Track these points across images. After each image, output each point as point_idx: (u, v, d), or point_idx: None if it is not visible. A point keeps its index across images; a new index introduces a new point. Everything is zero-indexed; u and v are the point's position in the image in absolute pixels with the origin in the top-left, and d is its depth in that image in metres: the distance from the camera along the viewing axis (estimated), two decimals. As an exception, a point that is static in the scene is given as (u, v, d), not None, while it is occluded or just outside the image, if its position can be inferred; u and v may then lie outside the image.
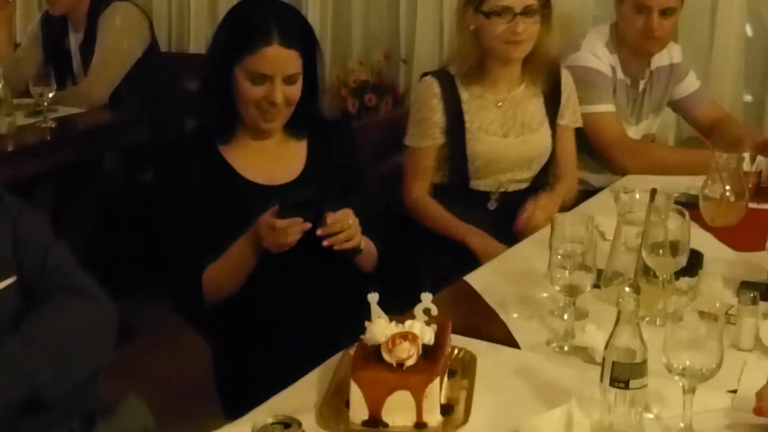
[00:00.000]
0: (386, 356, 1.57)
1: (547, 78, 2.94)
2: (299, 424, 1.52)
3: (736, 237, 2.49)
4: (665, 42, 3.26)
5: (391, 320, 1.63)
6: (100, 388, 1.87)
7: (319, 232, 2.15)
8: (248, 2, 2.58)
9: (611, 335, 1.53)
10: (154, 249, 2.35)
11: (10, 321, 1.71)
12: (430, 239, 2.86)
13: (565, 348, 1.90)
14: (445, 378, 1.65)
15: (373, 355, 1.59)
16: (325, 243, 2.16)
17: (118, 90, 3.95)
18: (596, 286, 2.02)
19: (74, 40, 4.09)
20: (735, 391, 1.69)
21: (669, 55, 3.37)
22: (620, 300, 1.52)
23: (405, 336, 1.57)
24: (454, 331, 1.78)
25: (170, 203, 2.29)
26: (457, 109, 2.86)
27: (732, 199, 2.59)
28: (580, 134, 3.16)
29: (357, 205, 2.32)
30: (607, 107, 3.20)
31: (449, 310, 1.83)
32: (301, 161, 2.38)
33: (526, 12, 2.74)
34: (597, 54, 3.23)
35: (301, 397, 1.70)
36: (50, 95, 3.62)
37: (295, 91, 2.27)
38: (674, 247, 1.95)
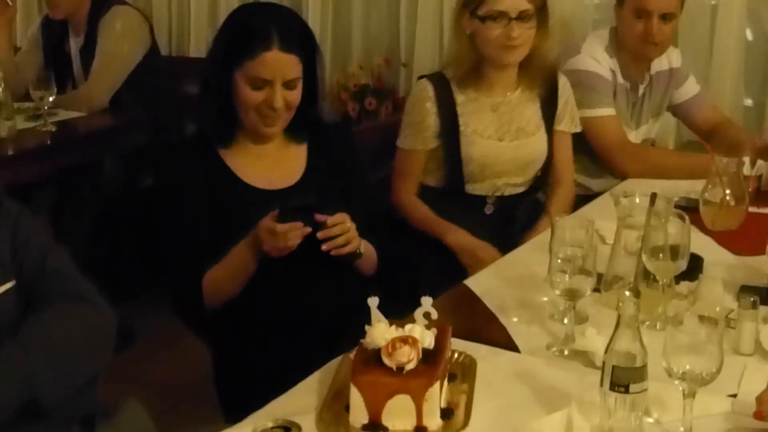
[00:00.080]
0: (386, 360, 1.57)
1: (544, 83, 2.93)
2: (299, 428, 1.52)
3: (736, 241, 2.49)
4: (665, 47, 3.26)
5: (391, 324, 1.63)
6: (100, 393, 1.87)
7: (319, 234, 2.15)
8: (248, 7, 2.59)
9: (611, 339, 1.53)
10: (154, 253, 2.35)
11: (9, 325, 1.71)
12: (430, 243, 2.86)
13: (565, 352, 1.90)
14: (445, 382, 1.65)
15: (373, 359, 1.59)
16: (324, 247, 2.16)
17: (119, 94, 3.95)
18: (596, 290, 2.02)
19: (74, 44, 4.09)
20: (735, 396, 1.69)
21: (668, 59, 3.38)
22: (620, 304, 1.52)
23: (405, 340, 1.58)
24: (454, 335, 1.78)
25: (170, 207, 2.29)
26: (451, 113, 2.86)
27: (732, 203, 2.59)
28: (581, 138, 3.16)
29: (357, 209, 2.33)
30: (607, 111, 3.20)
31: (449, 313, 1.83)
32: (301, 165, 2.38)
33: (522, 17, 2.73)
34: (597, 58, 3.23)
35: (301, 401, 1.70)
36: (50, 99, 3.62)
37: (295, 95, 2.27)
38: (674, 251, 1.95)
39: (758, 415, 1.57)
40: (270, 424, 1.54)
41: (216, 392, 2.39)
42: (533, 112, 2.93)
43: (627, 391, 1.50)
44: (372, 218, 2.46)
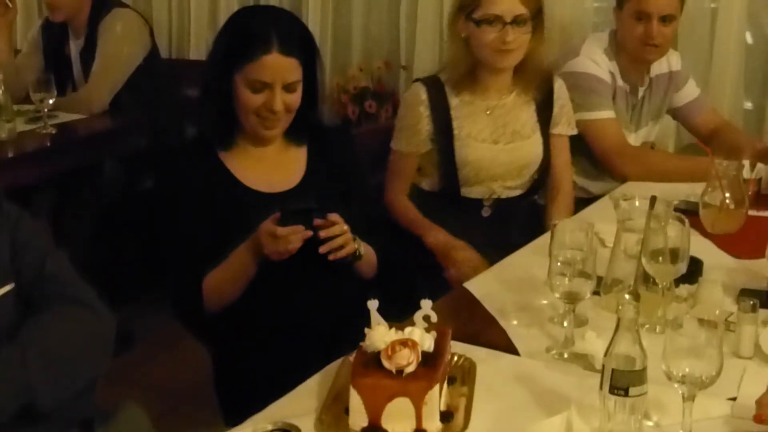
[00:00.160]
0: (386, 363, 1.57)
1: (540, 86, 2.93)
2: (298, 431, 1.52)
3: (736, 244, 2.49)
4: (665, 49, 3.26)
5: (390, 327, 1.63)
6: (100, 396, 1.87)
7: (322, 233, 2.15)
8: (248, 10, 2.60)
9: (611, 342, 1.53)
10: (154, 256, 2.35)
11: (8, 328, 1.71)
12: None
13: (565, 355, 1.90)
14: (445, 385, 1.65)
15: (373, 361, 1.59)
16: (322, 249, 2.16)
17: (119, 96, 3.95)
18: (596, 293, 2.02)
19: (75, 47, 4.09)
20: (735, 399, 1.69)
21: (668, 62, 3.38)
22: (620, 307, 1.52)
23: (405, 343, 1.58)
24: (454, 338, 1.78)
25: (170, 210, 2.29)
26: (445, 116, 2.85)
27: (732, 206, 2.59)
28: (580, 140, 3.16)
29: (356, 211, 2.33)
30: (607, 114, 3.20)
31: (449, 317, 1.83)
32: (301, 168, 2.38)
33: (517, 21, 2.73)
34: (596, 60, 3.23)
35: (300, 404, 1.70)
36: (50, 101, 3.62)
37: (295, 98, 2.27)
38: (674, 255, 1.95)
39: (758, 419, 1.57)
40: (269, 427, 1.54)
41: (216, 395, 2.38)
42: (529, 115, 2.93)
43: (626, 395, 1.50)
44: (372, 221, 2.46)
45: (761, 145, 3.14)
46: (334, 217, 2.17)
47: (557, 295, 1.90)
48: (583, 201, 3.08)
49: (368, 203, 2.53)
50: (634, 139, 3.35)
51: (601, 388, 1.53)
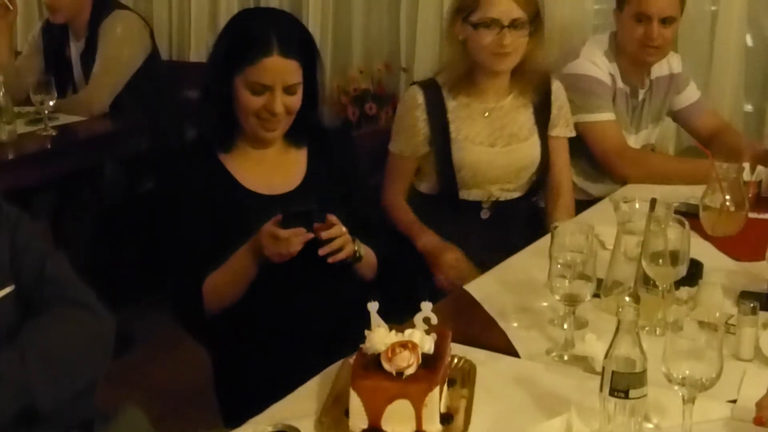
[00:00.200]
0: (386, 365, 1.57)
1: (537, 88, 2.92)
2: (298, 433, 1.52)
3: (736, 247, 2.49)
4: (665, 51, 3.26)
5: (390, 329, 1.63)
6: (99, 398, 1.87)
7: (324, 234, 2.15)
8: (248, 12, 2.60)
9: (611, 345, 1.53)
10: (155, 258, 2.35)
11: (8, 330, 1.71)
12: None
13: (565, 357, 1.90)
14: (445, 387, 1.65)
15: (373, 363, 1.59)
16: (321, 252, 2.16)
17: (119, 98, 3.95)
18: (596, 295, 2.02)
19: (75, 49, 4.10)
20: (735, 401, 1.69)
21: (669, 65, 3.38)
22: (620, 309, 1.52)
23: (405, 345, 1.58)
24: (454, 340, 1.78)
25: (171, 212, 2.29)
26: (442, 119, 2.85)
27: (732, 208, 2.59)
28: (580, 142, 3.16)
29: (356, 213, 2.33)
30: (607, 116, 3.20)
31: (449, 319, 1.83)
32: (301, 170, 2.38)
33: (514, 25, 2.71)
34: (596, 62, 3.23)
35: (300, 406, 1.70)
36: (51, 103, 3.62)
37: (296, 100, 2.27)
38: (674, 257, 1.95)
39: (758, 421, 1.57)
40: (269, 429, 1.54)
41: (216, 397, 2.39)
42: (526, 117, 2.92)
43: (626, 397, 1.50)
44: (372, 223, 2.46)
45: (761, 147, 3.14)
46: (331, 218, 2.17)
47: (557, 297, 1.90)
48: (583, 203, 3.08)
49: (368, 205, 2.53)
50: (634, 141, 3.34)
51: (601, 390, 1.53)
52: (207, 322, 2.28)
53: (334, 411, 1.65)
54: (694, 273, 2.10)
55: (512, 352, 1.94)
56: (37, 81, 3.66)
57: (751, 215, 2.66)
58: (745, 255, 2.41)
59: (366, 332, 1.64)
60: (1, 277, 1.74)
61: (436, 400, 1.57)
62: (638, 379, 1.51)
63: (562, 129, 2.99)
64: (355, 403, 1.57)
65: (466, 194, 2.89)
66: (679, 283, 2.03)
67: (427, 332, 1.64)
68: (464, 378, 1.77)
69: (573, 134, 3.03)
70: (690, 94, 3.44)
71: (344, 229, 2.19)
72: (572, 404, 1.65)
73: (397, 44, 4.41)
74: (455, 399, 1.69)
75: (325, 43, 4.45)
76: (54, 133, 3.63)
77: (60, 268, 1.83)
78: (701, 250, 2.33)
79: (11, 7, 4.03)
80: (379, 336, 1.61)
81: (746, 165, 2.87)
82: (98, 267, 3.67)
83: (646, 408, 1.55)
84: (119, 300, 2.03)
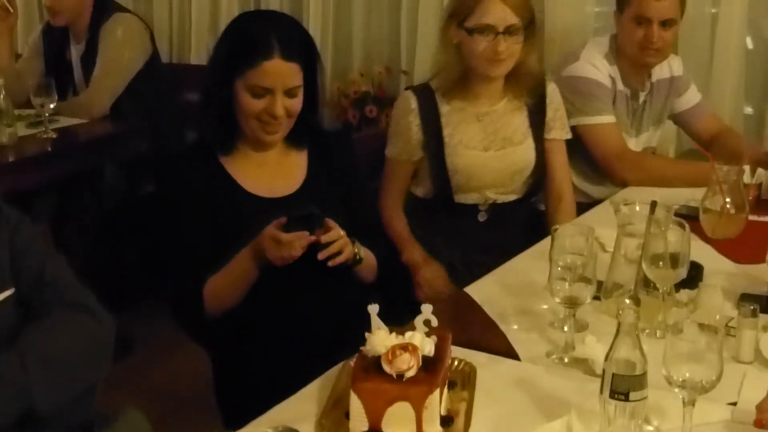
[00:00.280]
0: (386, 367, 1.57)
1: (532, 91, 2.90)
2: (299, 436, 1.52)
3: (737, 249, 2.49)
4: (665, 54, 3.26)
5: (391, 331, 1.63)
6: (100, 400, 1.87)
7: (324, 238, 2.15)
8: (249, 15, 2.59)
9: (611, 347, 1.53)
10: (155, 260, 2.35)
11: (8, 333, 1.71)
12: (428, 249, 2.86)
13: (565, 360, 1.90)
14: (445, 389, 1.65)
15: (373, 366, 1.59)
16: (321, 256, 2.16)
17: (119, 101, 3.95)
18: (596, 297, 2.02)
19: (75, 51, 4.10)
20: (735, 404, 1.69)
21: (670, 67, 3.37)
22: (620, 312, 1.52)
23: (405, 347, 1.58)
24: (454, 343, 1.78)
25: (171, 214, 2.29)
26: (435, 124, 2.84)
27: (732, 211, 2.59)
28: (580, 145, 3.16)
29: (356, 216, 2.33)
30: (607, 118, 3.20)
31: (449, 321, 1.83)
32: (302, 173, 2.38)
33: (509, 31, 2.70)
34: (596, 65, 3.22)
35: (301, 408, 1.70)
36: (51, 106, 3.62)
37: (296, 103, 2.27)
38: (674, 260, 1.95)
39: (758, 424, 1.57)
40: (270, 431, 1.54)
41: (216, 399, 2.39)
42: (520, 121, 2.91)
43: (627, 399, 1.50)
44: (372, 225, 2.46)
45: (762, 150, 3.14)
46: (329, 222, 2.17)
47: (557, 299, 1.90)
48: (583, 205, 3.07)
49: (368, 207, 2.53)
50: (635, 144, 3.34)
51: (601, 392, 1.53)
52: (207, 324, 2.28)
53: (335, 413, 1.65)
54: (695, 275, 2.10)
55: (512, 354, 1.94)
56: (37, 84, 3.66)
57: (752, 218, 2.66)
58: (745, 257, 2.41)
59: (366, 335, 1.64)
60: (1, 279, 1.74)
61: (437, 402, 1.57)
62: (638, 381, 1.51)
63: (558, 131, 2.97)
64: (356, 405, 1.57)
65: (461, 198, 2.87)
66: (680, 286, 2.03)
67: (428, 335, 1.64)
68: (464, 380, 1.77)
69: (569, 136, 3.02)
70: (691, 97, 3.44)
71: (342, 232, 2.19)
72: (572, 407, 1.65)
73: (398, 47, 4.41)
74: (455, 401, 1.69)
75: (325, 45, 4.45)
76: (54, 136, 3.63)
77: (60, 270, 1.83)
78: (701, 252, 2.33)
79: (12, 10, 4.03)
80: (380, 338, 1.61)
81: (746, 167, 2.87)
82: (98, 269, 3.67)
83: (646, 410, 1.55)
84: (119, 302, 2.02)
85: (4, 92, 3.49)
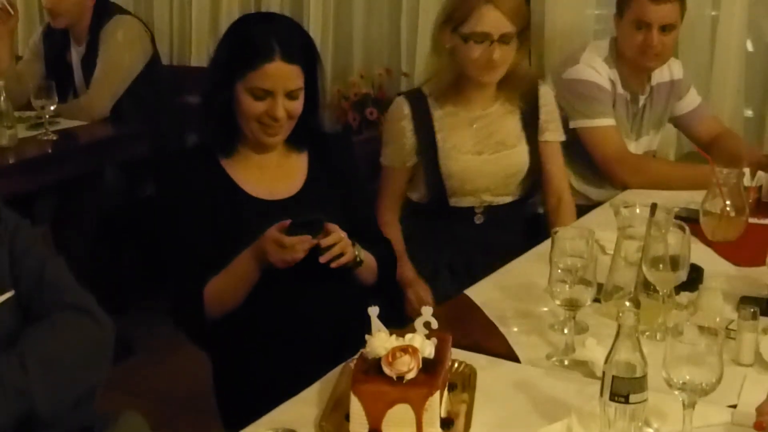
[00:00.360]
0: (386, 369, 1.57)
1: (525, 95, 2.89)
2: (299, 438, 1.52)
3: (737, 252, 2.49)
4: (665, 58, 3.26)
5: (391, 334, 1.63)
6: (99, 403, 1.87)
7: (323, 242, 2.15)
8: (250, 17, 2.59)
9: (611, 350, 1.53)
10: (155, 262, 2.35)
11: (8, 336, 1.71)
12: (428, 251, 2.86)
13: (566, 362, 1.90)
14: (446, 391, 1.65)
15: (374, 368, 1.59)
16: (322, 259, 2.16)
17: (120, 103, 3.96)
18: (596, 300, 2.02)
19: (76, 54, 4.10)
20: (735, 406, 1.69)
21: (670, 71, 3.37)
22: (620, 314, 1.52)
23: (405, 349, 1.58)
24: (455, 345, 1.78)
25: (171, 217, 2.29)
26: (428, 129, 2.83)
27: (732, 214, 2.59)
28: (580, 148, 3.16)
29: (357, 218, 2.33)
30: (607, 121, 3.20)
31: (449, 323, 1.83)
32: (302, 175, 2.38)
33: (504, 39, 2.69)
34: (596, 68, 3.22)
35: (301, 410, 1.70)
36: (52, 108, 3.63)
37: (297, 105, 2.27)
38: (674, 262, 1.95)
39: (758, 426, 1.57)
40: (270, 433, 1.55)
41: (216, 401, 2.38)
42: (513, 124, 2.90)
43: (627, 402, 1.50)
44: (372, 228, 2.46)
45: (761, 152, 3.14)
46: (330, 226, 2.17)
47: (558, 302, 1.90)
48: (583, 208, 3.07)
49: (368, 210, 2.53)
50: (635, 148, 3.33)
51: (601, 395, 1.53)
52: (208, 326, 2.28)
53: (335, 415, 1.65)
54: (695, 278, 2.10)
55: (513, 357, 1.94)
56: (38, 86, 3.67)
57: (752, 220, 2.66)
58: (745, 260, 2.41)
59: (366, 337, 1.64)
60: (1, 282, 1.74)
61: (437, 404, 1.57)
62: (639, 384, 1.51)
63: (552, 133, 2.95)
64: (356, 407, 1.57)
65: (456, 201, 2.86)
66: (680, 288, 2.04)
67: (428, 337, 1.64)
68: (465, 383, 1.77)
69: (563, 138, 3.00)
70: (691, 100, 3.44)
71: (343, 234, 2.19)
72: (572, 409, 1.65)
73: (398, 49, 4.41)
74: (456, 404, 1.69)
75: (325, 47, 4.46)
76: (55, 138, 3.63)
77: (60, 273, 1.83)
78: (701, 255, 2.33)
79: (12, 12, 4.04)
80: (380, 340, 1.61)
81: (746, 170, 2.87)
82: (98, 271, 3.68)
83: (646, 413, 1.55)
84: (119, 305, 2.03)
85: (4, 94, 3.50)
